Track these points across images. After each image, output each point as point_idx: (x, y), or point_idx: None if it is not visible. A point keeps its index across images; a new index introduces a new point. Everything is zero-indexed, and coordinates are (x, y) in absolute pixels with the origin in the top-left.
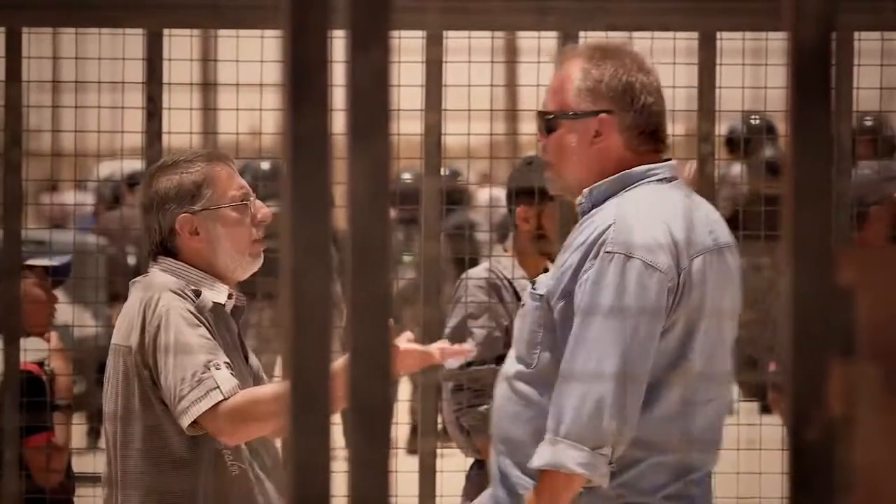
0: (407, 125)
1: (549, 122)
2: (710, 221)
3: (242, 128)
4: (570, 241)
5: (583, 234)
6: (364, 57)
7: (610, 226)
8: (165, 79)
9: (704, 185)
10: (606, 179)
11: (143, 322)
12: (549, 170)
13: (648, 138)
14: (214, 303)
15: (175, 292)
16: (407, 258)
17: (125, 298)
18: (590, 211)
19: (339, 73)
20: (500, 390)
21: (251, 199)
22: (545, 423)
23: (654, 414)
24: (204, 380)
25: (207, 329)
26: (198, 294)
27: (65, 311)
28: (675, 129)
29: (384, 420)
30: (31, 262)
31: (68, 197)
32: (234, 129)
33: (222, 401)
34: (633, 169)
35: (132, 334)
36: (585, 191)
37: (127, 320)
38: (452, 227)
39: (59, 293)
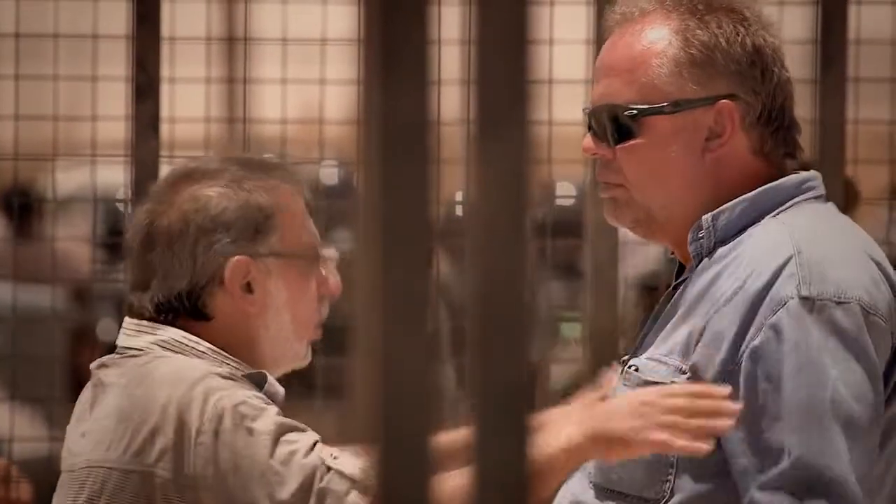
0: None
1: (621, 123)
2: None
3: (290, 109)
4: (694, 295)
5: (726, 280)
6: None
7: (789, 259)
8: None
9: None
10: (740, 199)
11: (183, 432)
12: (617, 195)
13: (784, 136)
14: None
15: (224, 377)
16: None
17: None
18: (713, 250)
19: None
20: None
21: (327, 252)
22: None
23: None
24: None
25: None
26: (258, 382)
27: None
28: None
29: None
30: None
31: None
32: (276, 113)
33: None
34: (781, 181)
35: (153, 450)
36: (705, 218)
37: (132, 430)
38: None
39: None
